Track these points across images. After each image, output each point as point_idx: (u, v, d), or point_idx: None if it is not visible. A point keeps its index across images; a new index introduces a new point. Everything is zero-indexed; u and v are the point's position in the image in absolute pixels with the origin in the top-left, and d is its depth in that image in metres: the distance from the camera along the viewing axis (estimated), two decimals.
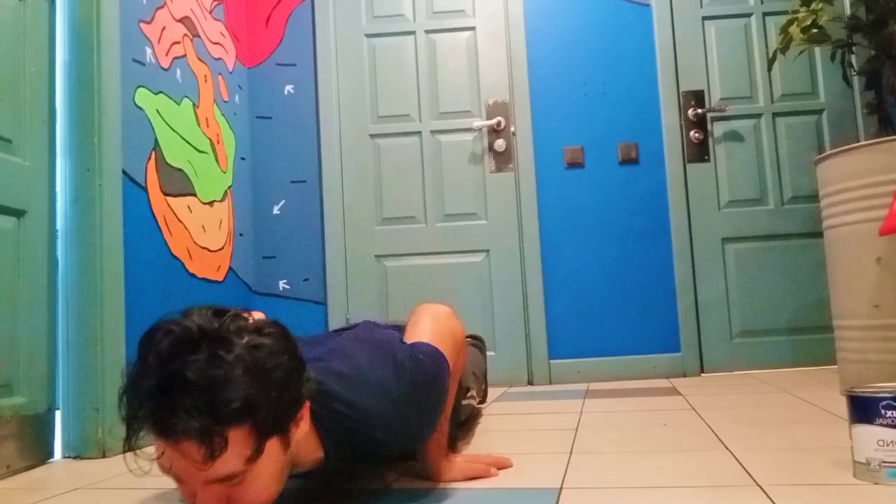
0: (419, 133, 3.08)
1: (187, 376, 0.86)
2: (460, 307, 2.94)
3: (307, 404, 1.02)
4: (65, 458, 1.79)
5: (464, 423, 1.87)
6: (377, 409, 1.08)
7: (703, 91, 2.99)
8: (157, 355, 0.89)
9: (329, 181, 3.06)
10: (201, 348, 0.89)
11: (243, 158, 2.98)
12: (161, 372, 0.88)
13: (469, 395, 1.76)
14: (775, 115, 2.97)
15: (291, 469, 1.06)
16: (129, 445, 0.94)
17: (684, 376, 2.84)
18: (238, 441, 0.89)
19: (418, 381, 1.13)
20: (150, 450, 0.97)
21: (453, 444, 1.61)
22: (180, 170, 2.34)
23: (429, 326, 1.24)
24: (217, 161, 2.65)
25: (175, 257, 2.23)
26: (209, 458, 0.87)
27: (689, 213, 2.94)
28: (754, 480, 1.20)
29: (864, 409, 1.14)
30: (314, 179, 3.08)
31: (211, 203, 2.57)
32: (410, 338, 1.23)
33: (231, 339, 0.91)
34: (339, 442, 1.11)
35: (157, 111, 2.22)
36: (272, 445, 0.95)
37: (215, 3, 2.75)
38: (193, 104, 2.48)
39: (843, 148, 2.05)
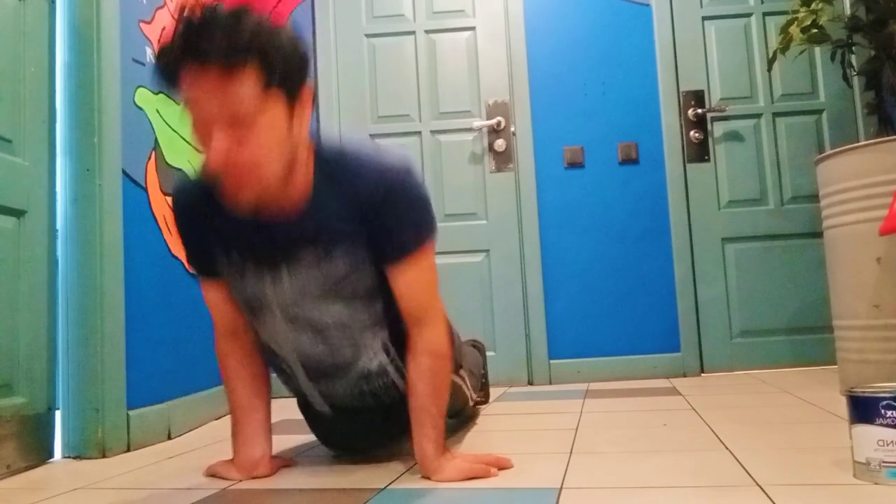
0: (419, 133, 3.08)
1: (212, 29, 1.08)
2: (460, 307, 2.95)
3: (310, 96, 1.20)
4: (65, 458, 1.79)
5: (459, 414, 1.87)
6: (371, 166, 1.26)
7: (703, 91, 2.99)
8: (188, 19, 1.09)
9: None
10: (227, 15, 1.10)
11: None
12: (189, 27, 1.09)
13: (461, 372, 1.75)
14: (775, 115, 2.97)
15: (282, 194, 1.22)
16: (168, 82, 1.14)
17: (684, 376, 2.84)
18: (251, 72, 1.09)
19: (414, 194, 1.30)
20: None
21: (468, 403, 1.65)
22: (180, 170, 2.34)
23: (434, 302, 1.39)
24: None
25: (175, 257, 2.23)
26: (224, 87, 1.07)
27: (689, 213, 2.94)
28: (754, 480, 1.20)
29: (864, 409, 1.14)
30: None
31: None
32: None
33: (254, 14, 1.12)
34: (328, 185, 1.25)
35: (157, 111, 2.22)
36: (277, 102, 1.14)
37: (215, 3, 2.75)
38: None
39: (843, 148, 2.05)
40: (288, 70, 1.15)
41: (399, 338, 1.37)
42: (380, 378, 1.42)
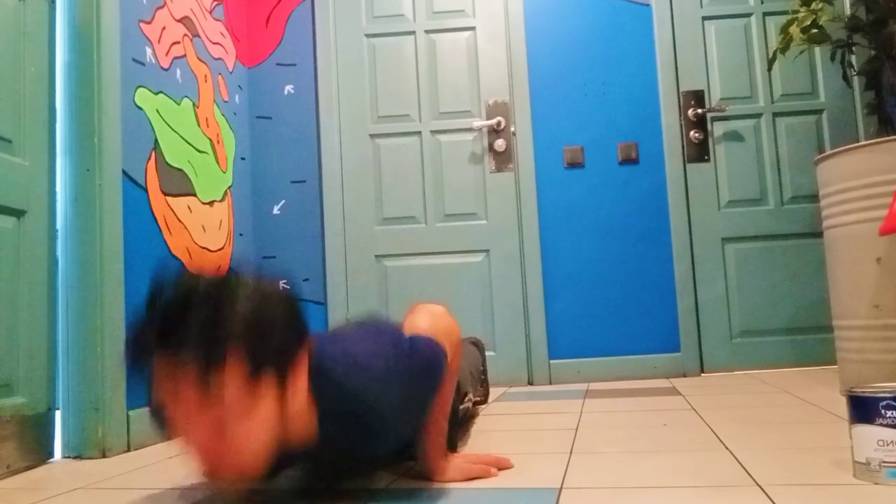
0: (419, 133, 3.08)
1: (189, 314, 0.93)
2: (460, 307, 2.95)
3: (305, 365, 1.05)
4: (65, 458, 1.79)
5: (460, 426, 1.87)
6: (372, 393, 1.10)
7: (703, 91, 2.99)
8: (164, 298, 0.95)
9: (329, 181, 3.07)
10: (207, 292, 0.95)
11: (243, 158, 2.98)
12: (165, 309, 0.94)
13: (467, 399, 1.76)
14: (775, 115, 2.97)
15: (283, 443, 1.06)
16: (128, 366, 0.99)
17: (684, 376, 2.84)
18: (234, 370, 0.93)
19: (415, 367, 1.15)
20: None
21: (454, 445, 1.61)
22: (180, 170, 2.34)
23: (427, 321, 1.26)
24: (217, 161, 2.65)
25: (175, 257, 2.23)
26: (205, 385, 0.92)
27: (689, 213, 2.94)
28: (754, 480, 1.20)
29: (864, 409, 1.14)
30: (314, 179, 3.08)
31: (211, 203, 2.57)
32: (410, 331, 1.24)
33: (237, 286, 0.97)
34: (331, 421, 1.12)
35: (157, 111, 2.22)
36: (267, 389, 0.98)
37: (215, 3, 2.76)
38: (193, 104, 2.48)
39: (843, 148, 2.05)
40: (279, 349, 1.00)
41: None
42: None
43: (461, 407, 1.69)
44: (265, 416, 0.99)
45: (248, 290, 0.97)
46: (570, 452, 1.51)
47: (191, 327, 0.92)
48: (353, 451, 1.20)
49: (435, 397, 1.22)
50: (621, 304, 2.93)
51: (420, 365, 1.16)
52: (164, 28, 2.30)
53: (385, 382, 1.11)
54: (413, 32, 3.13)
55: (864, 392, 1.17)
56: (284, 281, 1.03)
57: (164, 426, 1.01)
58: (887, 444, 1.11)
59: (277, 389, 0.99)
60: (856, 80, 2.75)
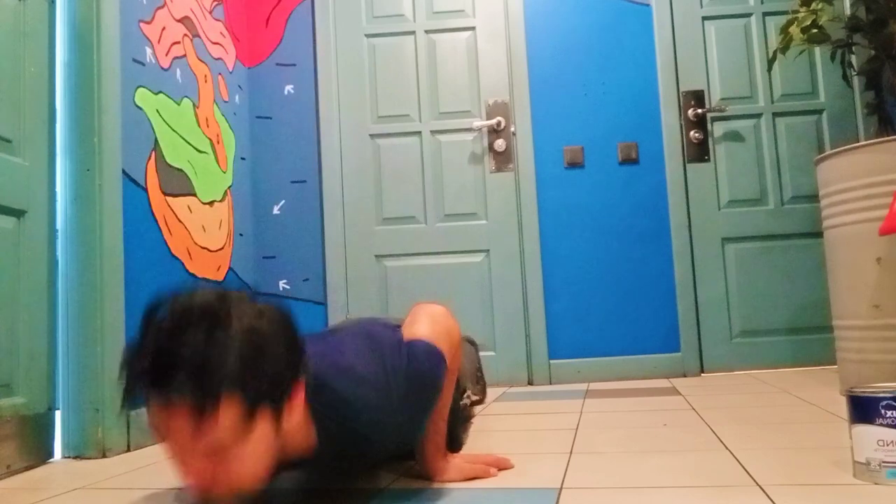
0: (419, 133, 3.08)
1: (182, 352, 0.90)
2: (460, 307, 2.95)
3: (302, 388, 1.03)
4: (65, 458, 1.79)
5: (463, 422, 1.87)
6: (370, 405, 1.10)
7: (703, 91, 2.99)
8: (157, 330, 0.92)
9: (329, 181, 3.06)
10: (200, 327, 0.92)
11: (243, 158, 2.98)
12: (158, 346, 0.91)
13: (465, 395, 1.76)
14: (775, 115, 2.97)
15: (281, 456, 1.06)
16: (124, 407, 0.97)
17: (684, 376, 2.84)
18: (229, 410, 0.92)
19: (413, 377, 1.14)
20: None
21: (458, 443, 1.61)
22: (180, 170, 2.34)
23: (426, 325, 1.25)
24: (217, 161, 2.65)
25: (175, 257, 2.23)
26: (200, 425, 0.90)
27: (689, 213, 2.94)
28: (754, 480, 1.20)
29: (864, 409, 1.14)
30: (314, 179, 3.08)
31: (211, 203, 2.57)
32: (408, 336, 1.23)
33: (230, 319, 0.94)
34: (330, 434, 1.11)
35: (157, 111, 2.22)
36: (263, 421, 0.96)
37: (215, 3, 2.75)
38: (193, 104, 2.48)
39: (843, 148, 2.05)
40: (276, 383, 0.98)
41: None
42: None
43: (461, 403, 1.69)
44: (263, 446, 0.98)
45: (242, 323, 0.94)
46: (570, 452, 1.51)
47: (184, 368, 0.89)
48: (351, 461, 1.20)
49: (435, 405, 1.21)
50: (621, 304, 2.93)
51: (419, 375, 1.15)
52: (164, 28, 2.30)
53: (384, 394, 1.11)
54: (413, 32, 3.13)
55: (864, 392, 1.17)
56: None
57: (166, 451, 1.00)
58: (887, 444, 1.11)
59: (274, 421, 0.98)
60: (856, 80, 2.75)
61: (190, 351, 0.90)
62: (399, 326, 1.33)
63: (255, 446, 0.96)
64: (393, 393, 1.11)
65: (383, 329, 1.32)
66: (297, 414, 1.03)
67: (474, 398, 2.02)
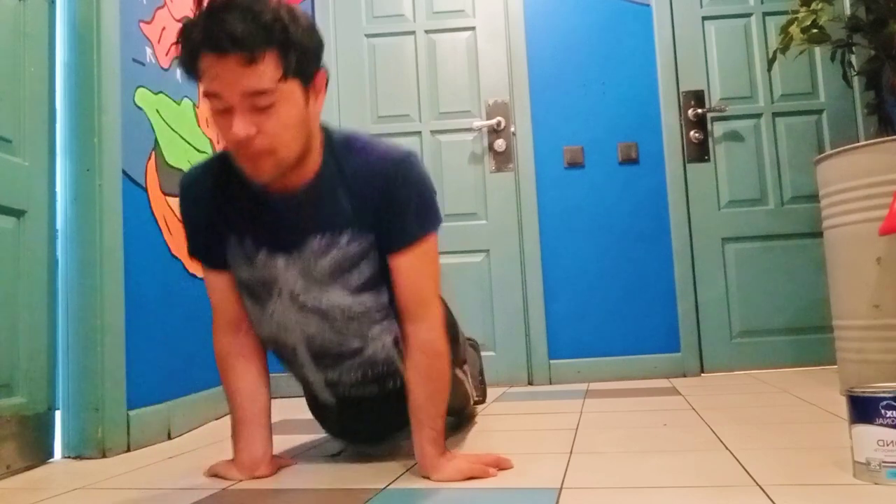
0: (419, 133, 3.08)
1: (231, 17, 1.11)
2: (460, 307, 2.93)
3: (324, 81, 1.26)
4: (65, 458, 1.79)
5: (461, 412, 1.87)
6: (382, 153, 1.31)
7: (703, 91, 2.99)
8: (209, 6, 1.14)
9: None
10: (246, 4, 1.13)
11: None
12: (210, 15, 1.13)
13: (465, 366, 1.75)
14: (775, 115, 2.97)
15: (293, 170, 1.25)
16: (188, 72, 1.19)
17: (684, 376, 2.84)
18: (270, 59, 1.13)
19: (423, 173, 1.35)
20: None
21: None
22: (180, 170, 2.34)
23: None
24: None
25: (175, 257, 2.23)
26: (247, 71, 1.11)
27: (689, 213, 2.94)
28: (754, 480, 1.20)
29: (864, 409, 1.14)
30: None
31: None
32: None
33: (269, 1, 1.16)
34: (339, 160, 1.30)
35: (157, 111, 2.22)
36: (294, 88, 1.18)
37: None
38: (193, 104, 2.48)
39: (843, 148, 2.05)
40: (305, 57, 1.18)
41: None
42: (385, 364, 1.42)
43: (459, 376, 1.68)
44: (295, 109, 1.19)
45: (283, 6, 1.16)
46: (570, 452, 1.51)
47: (235, 26, 1.09)
48: (342, 217, 1.31)
49: (434, 200, 1.36)
50: (621, 304, 2.93)
51: (425, 188, 1.34)
52: (164, 28, 2.30)
53: (391, 153, 1.32)
54: (413, 32, 3.13)
55: (864, 392, 1.17)
56: (311, 23, 1.26)
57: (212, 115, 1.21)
58: (887, 444, 1.11)
59: (303, 92, 1.20)
60: (856, 80, 2.75)
61: (238, 16, 1.10)
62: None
63: (288, 108, 1.17)
64: (401, 167, 1.31)
65: None
66: (319, 102, 1.26)
67: (476, 398, 2.02)
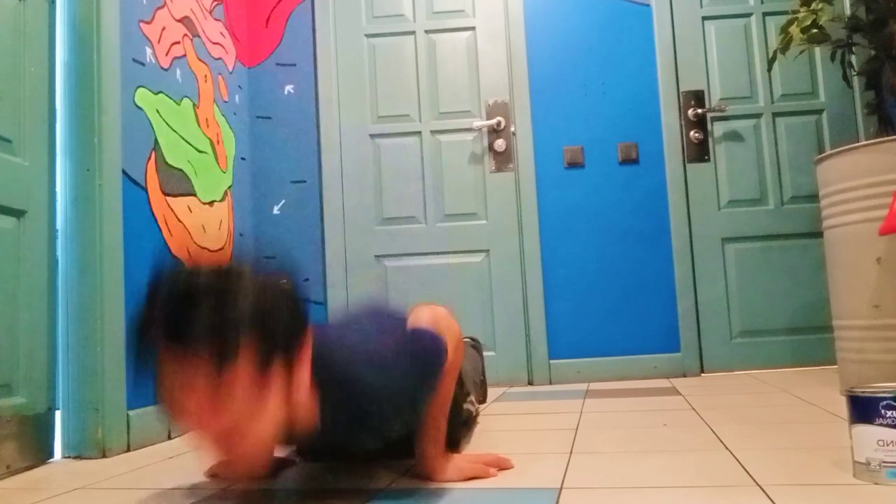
0: (419, 133, 3.08)
1: (196, 309, 0.91)
2: (460, 307, 2.95)
3: (308, 352, 1.05)
4: (65, 458, 1.79)
5: (464, 424, 1.87)
6: (372, 380, 1.13)
7: (703, 91, 2.99)
8: (167, 294, 0.94)
9: (329, 181, 3.06)
10: (211, 286, 0.94)
11: (243, 158, 2.98)
12: (169, 308, 0.93)
13: (469, 399, 1.76)
14: (775, 115, 2.97)
15: (287, 431, 1.06)
16: (139, 370, 0.96)
17: (684, 376, 2.84)
18: (242, 360, 0.92)
19: (416, 354, 1.18)
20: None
21: (456, 445, 1.61)
22: (180, 170, 2.34)
23: (428, 317, 1.28)
24: (217, 161, 2.65)
25: (175, 257, 2.23)
26: (217, 371, 0.90)
27: (689, 213, 2.94)
28: (754, 480, 1.20)
29: (864, 409, 1.14)
30: (314, 179, 3.08)
31: (211, 203, 2.57)
32: (413, 324, 1.26)
33: (237, 284, 0.95)
34: (332, 408, 1.13)
35: (157, 111, 2.22)
36: (275, 374, 0.97)
37: (215, 3, 2.75)
38: (193, 104, 2.48)
39: (843, 148, 2.05)
40: (286, 338, 0.99)
41: None
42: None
43: (465, 407, 1.69)
44: (274, 406, 0.98)
45: (250, 281, 0.96)
46: (570, 452, 1.51)
47: (200, 321, 0.90)
48: (351, 439, 1.21)
49: (436, 386, 1.23)
50: (621, 304, 2.93)
51: (421, 352, 1.18)
52: (164, 28, 2.30)
53: (385, 368, 1.14)
54: (413, 32, 3.13)
55: (864, 392, 1.17)
56: (284, 279, 1.04)
57: (173, 419, 0.99)
58: (887, 444, 1.11)
59: (285, 380, 0.99)
60: (856, 80, 2.75)
61: (204, 305, 0.91)
62: (405, 319, 1.35)
63: (267, 410, 0.97)
64: (395, 368, 1.14)
65: (387, 311, 1.35)
66: (303, 383, 1.04)
67: (477, 403, 2.02)
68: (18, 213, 1.70)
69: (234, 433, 0.96)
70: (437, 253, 3.02)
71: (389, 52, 3.13)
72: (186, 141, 2.40)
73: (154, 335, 0.93)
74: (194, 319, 0.90)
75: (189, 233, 2.36)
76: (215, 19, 2.74)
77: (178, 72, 2.38)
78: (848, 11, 2.68)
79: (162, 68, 2.27)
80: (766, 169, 2.95)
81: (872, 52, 2.37)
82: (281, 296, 0.99)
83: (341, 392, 1.12)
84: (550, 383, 2.89)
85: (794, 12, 2.31)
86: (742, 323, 2.89)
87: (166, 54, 2.31)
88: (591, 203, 2.98)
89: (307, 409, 1.09)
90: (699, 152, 2.97)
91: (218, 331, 0.91)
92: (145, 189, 2.11)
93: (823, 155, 2.14)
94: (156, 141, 2.20)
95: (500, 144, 3.02)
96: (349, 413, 1.14)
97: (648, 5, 3.02)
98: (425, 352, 1.19)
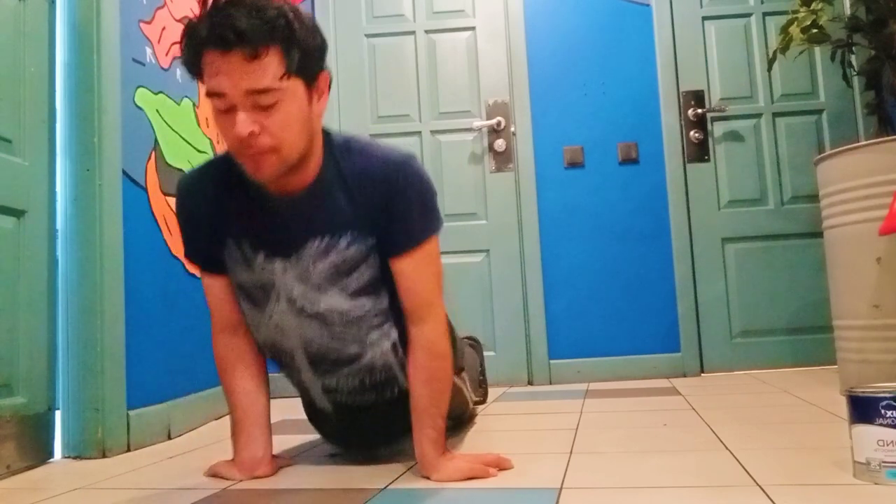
0: (419, 133, 3.08)
1: (237, 13, 1.12)
2: (460, 307, 2.95)
3: (327, 83, 1.27)
4: (65, 458, 1.79)
5: (459, 418, 1.87)
6: (382, 156, 1.33)
7: (703, 91, 2.99)
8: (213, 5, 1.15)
9: None
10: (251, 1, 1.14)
11: None
12: (215, 13, 1.13)
13: (462, 374, 1.75)
14: (775, 115, 2.97)
15: (292, 174, 1.25)
16: (190, 70, 1.20)
17: (684, 376, 2.84)
18: (274, 56, 1.14)
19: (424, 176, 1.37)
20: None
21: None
22: (180, 170, 2.34)
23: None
24: None
25: (175, 257, 2.23)
26: (251, 67, 1.12)
27: (689, 213, 2.94)
28: (754, 480, 1.20)
29: (864, 409, 1.14)
30: None
31: None
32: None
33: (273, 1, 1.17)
34: (340, 163, 1.31)
35: (157, 111, 2.22)
36: (297, 87, 1.19)
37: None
38: (193, 104, 2.48)
39: (843, 148, 2.05)
40: (308, 56, 1.19)
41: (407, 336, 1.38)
42: (383, 372, 1.42)
43: (457, 382, 1.68)
44: (297, 113, 1.20)
45: (287, 5, 1.17)
46: (570, 452, 1.51)
47: (240, 23, 1.10)
48: (342, 219, 1.31)
49: (435, 205, 1.36)
50: (621, 303, 2.93)
51: (426, 190, 1.36)
52: (164, 28, 2.30)
53: (391, 155, 1.34)
54: (413, 32, 3.13)
55: (864, 392, 1.17)
56: None
57: (221, 128, 1.20)
58: (887, 444, 1.11)
59: (306, 92, 1.21)
60: (856, 80, 2.75)
61: (243, 14, 1.11)
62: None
63: (291, 106, 1.18)
64: (402, 169, 1.33)
65: None
66: (322, 103, 1.26)
67: (476, 399, 2.03)
68: (18, 213, 1.70)
69: (265, 128, 1.16)
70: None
71: (389, 52, 3.13)
72: (186, 141, 2.40)
73: (200, 34, 1.13)
74: (233, 21, 1.11)
75: None
76: None
77: (179, 72, 2.38)
78: (848, 11, 2.68)
79: (162, 68, 2.27)
80: (766, 169, 2.95)
81: (872, 52, 2.37)
82: (310, 26, 1.21)
83: (350, 153, 1.32)
84: (550, 383, 2.89)
85: (794, 12, 2.31)
86: (742, 323, 2.89)
87: (166, 54, 2.31)
88: (591, 203, 2.98)
89: (316, 148, 1.29)
90: (699, 152, 2.97)
91: (252, 32, 1.11)
92: (145, 189, 2.11)
93: (823, 155, 2.14)
94: (156, 141, 2.20)
95: (500, 144, 3.02)
96: (349, 185, 1.30)
97: (648, 5, 3.02)
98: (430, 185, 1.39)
